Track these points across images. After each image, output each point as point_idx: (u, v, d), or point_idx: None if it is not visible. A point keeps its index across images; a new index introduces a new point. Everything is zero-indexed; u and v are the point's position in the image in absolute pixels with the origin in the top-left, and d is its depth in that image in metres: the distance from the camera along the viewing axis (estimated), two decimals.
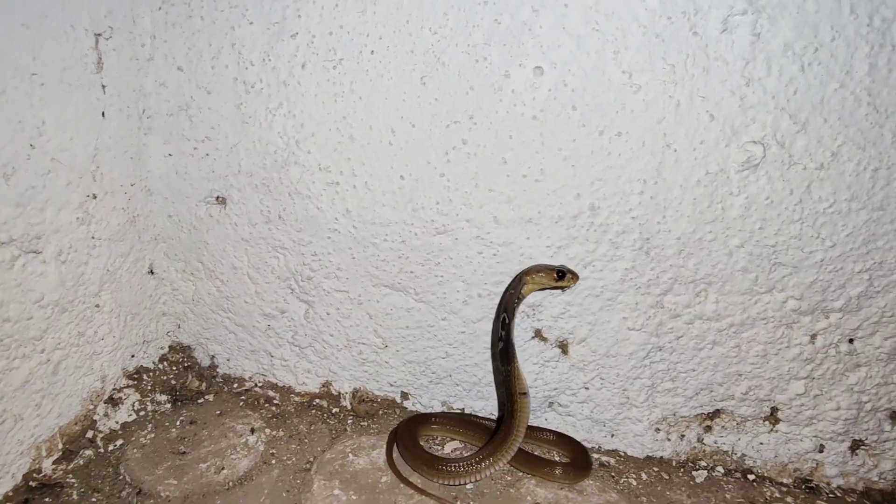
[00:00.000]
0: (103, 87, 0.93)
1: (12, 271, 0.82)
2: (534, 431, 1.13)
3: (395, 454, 1.05)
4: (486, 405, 1.18)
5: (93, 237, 0.96)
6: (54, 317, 0.91)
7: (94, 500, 0.91)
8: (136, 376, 1.15)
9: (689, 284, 1.02)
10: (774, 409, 1.10)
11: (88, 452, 0.99)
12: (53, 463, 0.96)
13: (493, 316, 1.09)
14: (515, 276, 1.01)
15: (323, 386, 1.22)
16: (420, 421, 1.12)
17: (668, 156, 0.94)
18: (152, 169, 1.08)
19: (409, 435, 1.05)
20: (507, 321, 0.98)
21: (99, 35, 0.90)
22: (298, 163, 1.04)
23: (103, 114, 0.94)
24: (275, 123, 1.02)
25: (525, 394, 0.97)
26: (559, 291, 1.05)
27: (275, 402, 1.20)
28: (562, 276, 0.96)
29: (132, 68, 0.98)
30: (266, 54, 0.99)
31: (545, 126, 0.95)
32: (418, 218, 1.04)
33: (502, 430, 0.99)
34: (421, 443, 1.07)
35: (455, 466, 0.98)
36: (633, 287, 1.03)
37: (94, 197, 0.95)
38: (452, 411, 1.19)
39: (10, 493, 0.88)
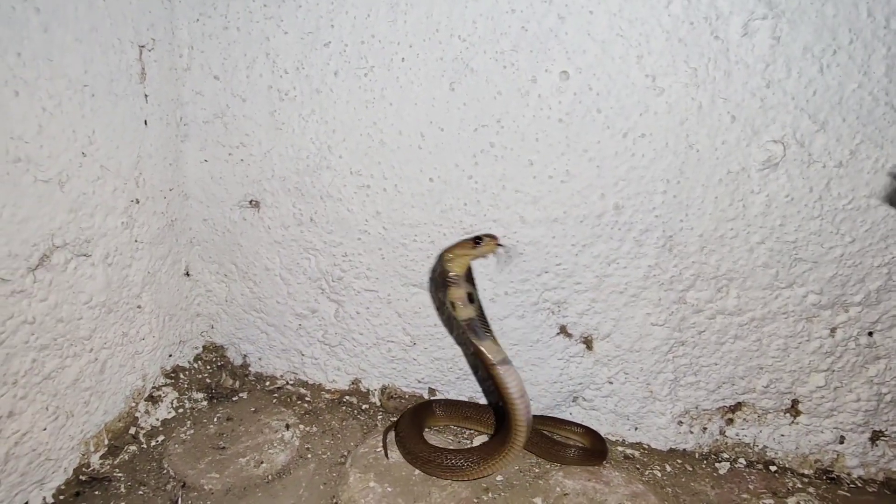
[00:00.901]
0: (146, 96, 0.97)
1: (65, 274, 0.86)
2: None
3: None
4: None
5: (136, 241, 1.00)
6: (101, 317, 0.95)
7: (140, 492, 0.95)
8: (173, 375, 1.19)
9: (710, 280, 1.05)
10: (795, 402, 1.13)
11: (132, 448, 1.03)
12: (100, 458, 0.99)
13: (518, 314, 1.12)
14: (438, 256, 0.99)
15: (352, 383, 1.26)
16: (422, 412, 1.15)
17: (690, 156, 0.97)
18: (189, 174, 1.12)
19: (411, 430, 1.07)
20: (443, 301, 0.94)
21: (143, 47, 0.94)
22: (330, 167, 1.08)
23: (146, 122, 0.98)
24: (307, 130, 1.06)
25: (494, 364, 0.94)
26: (582, 287, 1.08)
27: (306, 399, 1.23)
28: (479, 242, 0.91)
29: (171, 78, 1.02)
30: (300, 63, 1.03)
31: (571, 128, 0.98)
32: (447, 219, 1.08)
33: (504, 431, 0.98)
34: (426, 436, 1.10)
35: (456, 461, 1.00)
36: (656, 283, 1.06)
37: (137, 202, 0.99)
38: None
39: (63, 487, 0.92)
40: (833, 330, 1.06)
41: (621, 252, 1.05)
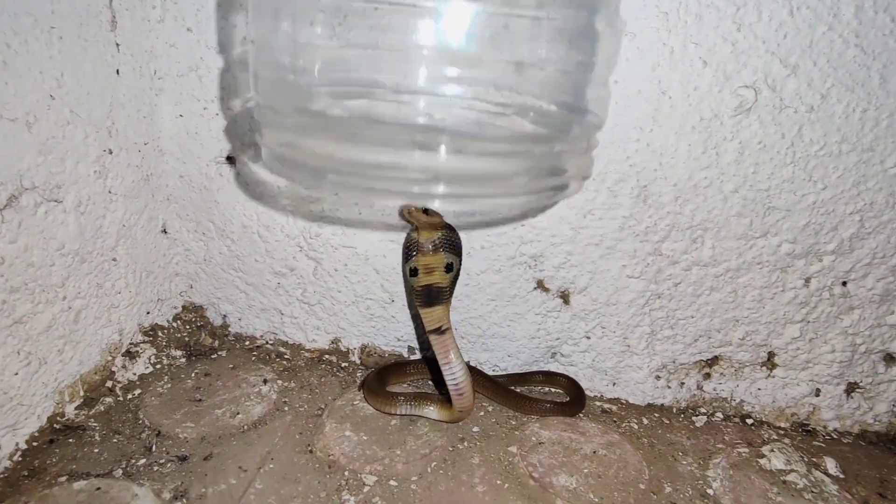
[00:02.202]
0: (117, 45, 0.97)
1: (35, 217, 0.86)
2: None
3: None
4: (491, 357, 1.21)
5: (109, 191, 1.00)
6: (74, 266, 0.95)
7: (115, 440, 0.95)
8: (151, 333, 1.19)
9: (685, 231, 1.05)
10: (771, 354, 1.13)
11: (108, 400, 1.03)
12: (76, 409, 0.99)
13: (496, 268, 1.12)
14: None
15: (332, 342, 1.26)
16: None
17: (663, 102, 0.97)
18: (164, 129, 1.12)
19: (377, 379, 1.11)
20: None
21: None
22: None
23: (118, 71, 0.98)
24: None
25: (435, 330, 0.96)
26: (558, 239, 1.08)
27: (286, 357, 1.23)
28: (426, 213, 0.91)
29: (144, 29, 1.02)
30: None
31: None
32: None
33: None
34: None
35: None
36: (631, 234, 1.06)
37: (110, 152, 0.99)
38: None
39: (37, 434, 0.92)
40: (807, 280, 1.06)
41: (596, 203, 1.05)
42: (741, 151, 0.98)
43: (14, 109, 0.79)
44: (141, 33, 1.02)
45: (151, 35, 1.04)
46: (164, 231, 1.18)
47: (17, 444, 0.89)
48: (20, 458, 0.89)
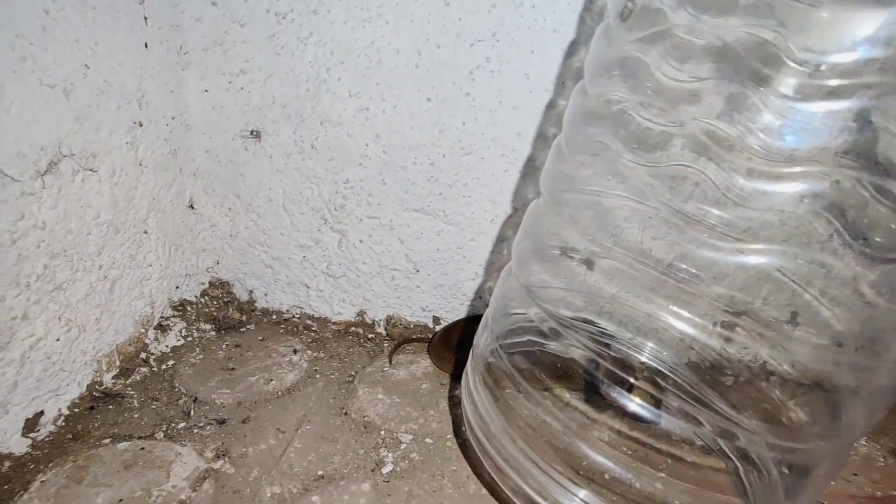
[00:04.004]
0: (145, 18, 0.98)
1: (73, 185, 0.87)
2: None
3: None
4: None
5: (140, 163, 1.02)
6: (109, 236, 0.97)
7: (153, 407, 0.97)
8: (180, 307, 1.20)
9: None
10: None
11: (143, 370, 1.05)
12: (112, 378, 1.01)
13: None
14: None
15: (358, 315, 1.27)
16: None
17: None
18: (190, 104, 1.13)
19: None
20: None
21: None
22: (330, 90, 1.09)
23: (146, 45, 0.99)
24: (306, 53, 1.07)
25: None
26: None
27: (313, 329, 1.25)
28: None
29: (170, 3, 1.04)
30: None
31: (565, 39, 0.99)
32: (445, 139, 1.09)
33: None
34: None
35: None
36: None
37: (141, 125, 1.00)
38: None
39: (77, 400, 0.94)
40: None
41: None
42: None
43: (53, 76, 0.81)
44: (167, 7, 1.03)
45: (177, 9, 1.05)
46: (192, 206, 1.20)
47: (59, 409, 0.91)
48: (63, 423, 0.90)
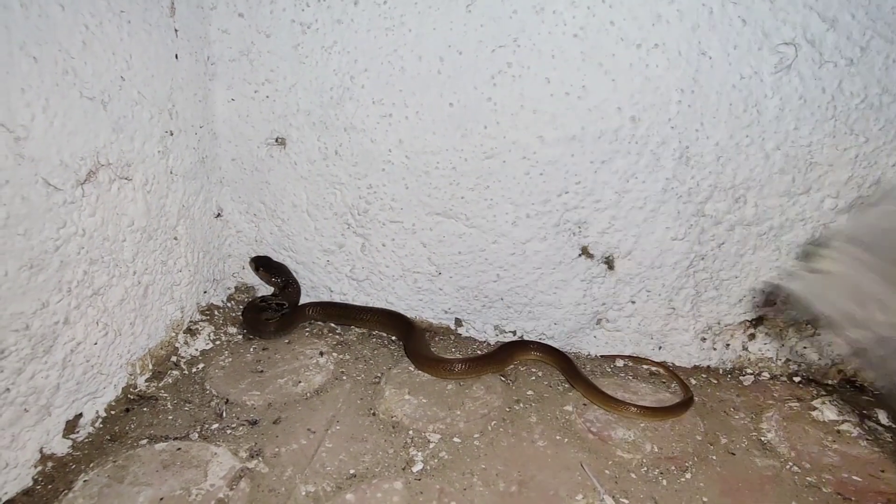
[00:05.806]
0: (176, 30, 1.01)
1: (110, 193, 0.90)
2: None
3: None
4: (538, 325, 1.24)
5: (171, 172, 1.05)
6: (142, 242, 0.99)
7: (186, 409, 0.99)
8: (208, 312, 1.23)
9: (728, 191, 1.07)
10: None
11: (175, 373, 1.07)
12: (146, 381, 1.04)
13: (541, 236, 1.15)
14: None
15: None
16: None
17: (703, 63, 0.99)
18: (217, 114, 1.16)
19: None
20: None
21: None
22: (353, 98, 1.11)
23: (176, 56, 1.02)
24: (330, 61, 1.10)
25: None
26: (602, 205, 1.11)
27: (337, 332, 1.27)
28: None
29: (199, 16, 1.07)
30: None
31: (585, 43, 1.01)
32: (467, 143, 1.11)
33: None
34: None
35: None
36: (674, 196, 1.09)
37: (171, 134, 1.03)
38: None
39: (113, 403, 0.96)
40: None
41: (639, 166, 1.08)
42: (782, 108, 1.00)
43: (92, 88, 0.84)
44: (196, 19, 1.06)
45: (205, 21, 1.08)
46: (219, 214, 1.22)
47: (97, 411, 0.93)
48: (101, 425, 0.93)
